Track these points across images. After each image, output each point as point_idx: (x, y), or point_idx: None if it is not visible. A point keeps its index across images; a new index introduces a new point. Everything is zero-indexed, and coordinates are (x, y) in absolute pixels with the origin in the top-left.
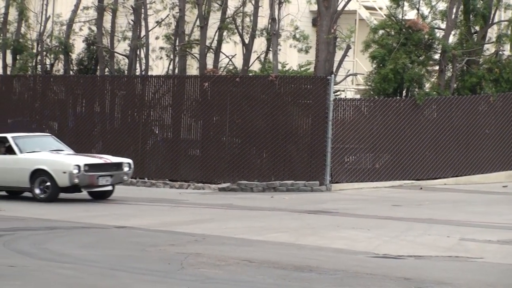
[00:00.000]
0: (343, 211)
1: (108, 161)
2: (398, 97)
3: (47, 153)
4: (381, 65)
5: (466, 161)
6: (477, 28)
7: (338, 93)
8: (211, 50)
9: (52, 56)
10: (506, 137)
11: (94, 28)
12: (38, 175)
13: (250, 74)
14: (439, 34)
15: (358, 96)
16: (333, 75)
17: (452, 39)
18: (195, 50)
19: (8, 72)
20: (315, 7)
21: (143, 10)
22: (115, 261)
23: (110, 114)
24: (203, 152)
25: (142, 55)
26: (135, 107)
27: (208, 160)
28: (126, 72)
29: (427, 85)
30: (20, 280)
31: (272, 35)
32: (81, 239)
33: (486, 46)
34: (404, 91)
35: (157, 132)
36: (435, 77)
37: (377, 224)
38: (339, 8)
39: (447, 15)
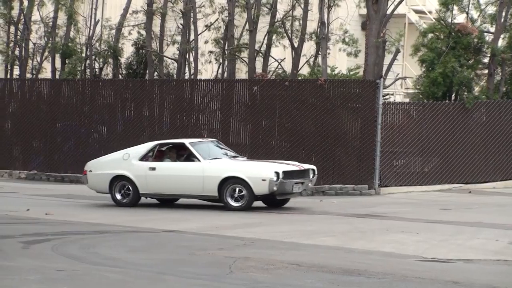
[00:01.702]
0: (392, 214)
1: (302, 168)
2: (447, 101)
3: (229, 160)
4: (430, 68)
5: None
6: None
7: (387, 96)
8: (260, 54)
9: (101, 60)
10: None
11: (143, 32)
12: (230, 183)
13: (299, 78)
14: (488, 37)
15: (407, 100)
16: (382, 79)
17: (501, 42)
18: (244, 54)
19: (57, 76)
20: (364, 11)
21: (192, 14)
22: (164, 265)
23: (159, 118)
24: (252, 156)
25: (191, 59)
26: (184, 111)
27: None
28: (175, 76)
29: (476, 88)
30: (68, 284)
31: (321, 39)
32: (130, 243)
33: None
34: (453, 95)
35: (206, 136)
36: (484, 80)
37: (426, 228)
38: (389, 11)
39: (496, 18)
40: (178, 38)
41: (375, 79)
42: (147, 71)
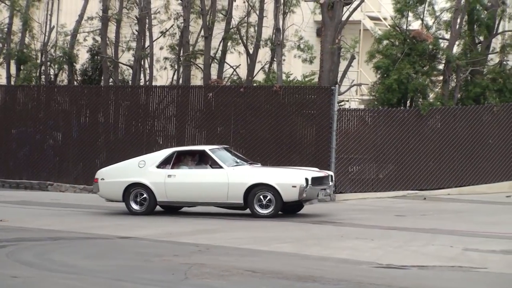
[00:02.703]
0: (347, 221)
1: (326, 174)
2: (402, 108)
3: (252, 166)
4: (385, 75)
5: (469, 171)
6: (481, 38)
7: (342, 103)
8: (216, 61)
9: (56, 66)
10: (510, 147)
11: (98, 38)
12: (258, 190)
13: (254, 85)
14: (443, 44)
15: (362, 107)
16: (337, 85)
17: (456, 49)
18: (200, 61)
19: (12, 83)
20: (319, 18)
21: (147, 20)
22: (120, 271)
23: (114, 124)
24: None
25: (146, 66)
26: (139, 118)
27: None
28: (130, 82)
29: (431, 95)
30: None
31: (277, 45)
32: (86, 250)
33: (490, 56)
34: (408, 101)
35: (161, 142)
36: (439, 87)
37: (381, 234)
38: (344, 18)
39: (451, 25)
40: (134, 44)
41: (330, 85)
42: (102, 78)
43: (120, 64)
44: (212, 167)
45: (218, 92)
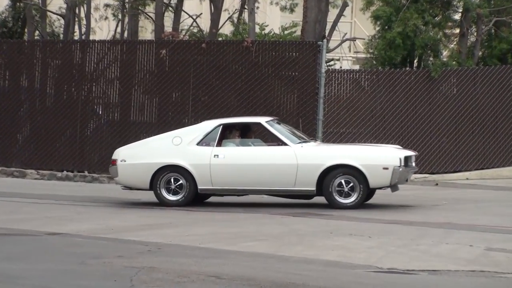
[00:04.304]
0: (337, 213)
1: (413, 153)
2: (407, 68)
3: (316, 144)
4: (386, 27)
5: (493, 149)
6: None
7: (332, 62)
8: (170, 9)
9: None
10: None
11: None
12: (336, 173)
13: (220, 39)
14: None
15: (357, 67)
16: (325, 40)
17: None
18: (150, 9)
19: None
20: None
21: None
22: (48, 277)
23: (41, 89)
24: None
25: (82, 15)
26: (73, 81)
27: None
28: (61, 36)
29: (445, 53)
30: None
31: None
32: (5, 250)
33: None
34: (415, 61)
35: (100, 112)
36: (455, 42)
37: (380, 230)
38: None
39: None
40: None
41: (317, 40)
42: (26, 30)
43: (48, 13)
44: (270, 144)
45: (173, 48)
